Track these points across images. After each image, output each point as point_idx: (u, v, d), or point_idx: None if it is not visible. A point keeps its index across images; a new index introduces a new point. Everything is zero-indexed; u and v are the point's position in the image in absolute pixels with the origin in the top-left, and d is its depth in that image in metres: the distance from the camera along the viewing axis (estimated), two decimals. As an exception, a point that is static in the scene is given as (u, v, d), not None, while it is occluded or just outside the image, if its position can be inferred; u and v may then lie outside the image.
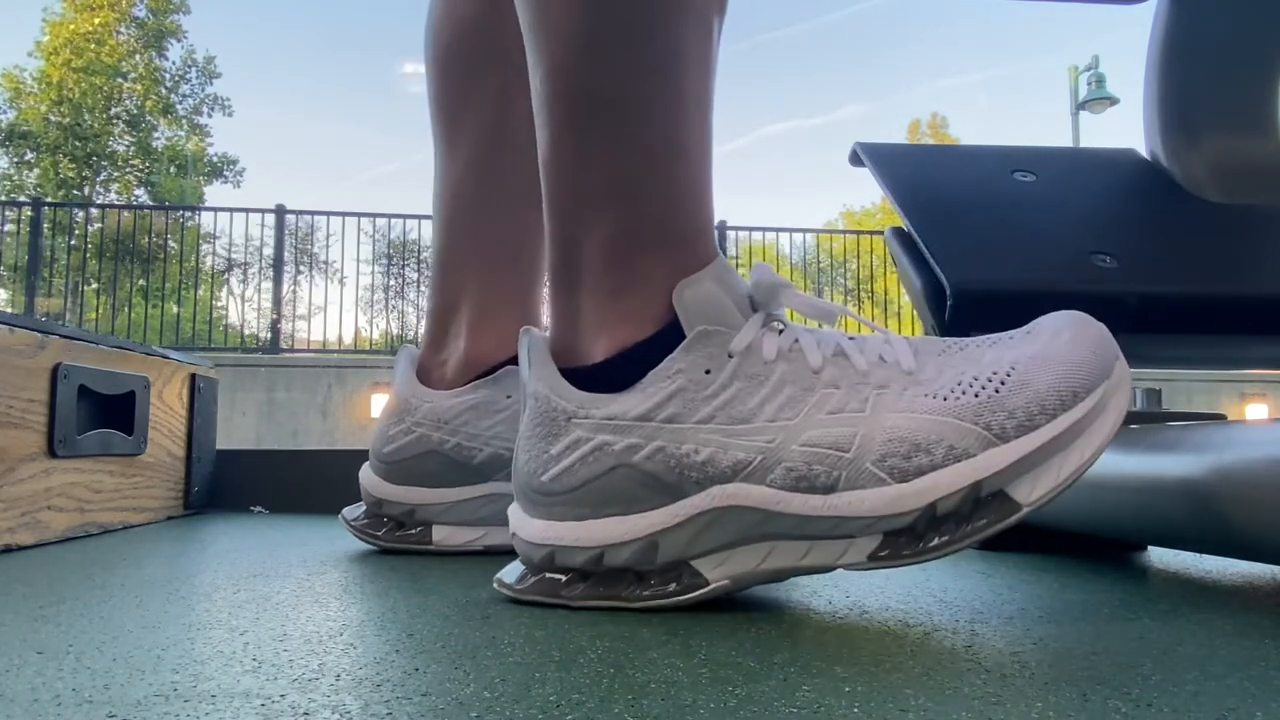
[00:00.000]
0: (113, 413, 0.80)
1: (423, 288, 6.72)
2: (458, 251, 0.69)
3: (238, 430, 5.12)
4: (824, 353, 0.43)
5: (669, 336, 0.44)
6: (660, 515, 0.42)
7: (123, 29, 13.35)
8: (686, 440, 0.42)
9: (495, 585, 0.46)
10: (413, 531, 0.64)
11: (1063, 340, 0.42)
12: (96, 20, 12.91)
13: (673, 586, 0.42)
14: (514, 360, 0.65)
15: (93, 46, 12.93)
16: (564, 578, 0.44)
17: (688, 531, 0.42)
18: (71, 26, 12.84)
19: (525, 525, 0.45)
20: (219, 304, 10.04)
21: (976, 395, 0.41)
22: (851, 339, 0.44)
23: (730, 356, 0.43)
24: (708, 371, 0.43)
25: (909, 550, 0.40)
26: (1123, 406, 0.42)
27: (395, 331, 6.81)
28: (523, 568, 0.46)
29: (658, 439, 0.43)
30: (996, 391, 0.40)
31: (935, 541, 0.40)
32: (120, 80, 13.32)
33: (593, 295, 0.46)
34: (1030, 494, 0.40)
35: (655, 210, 0.46)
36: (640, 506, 0.43)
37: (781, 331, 0.44)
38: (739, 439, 0.42)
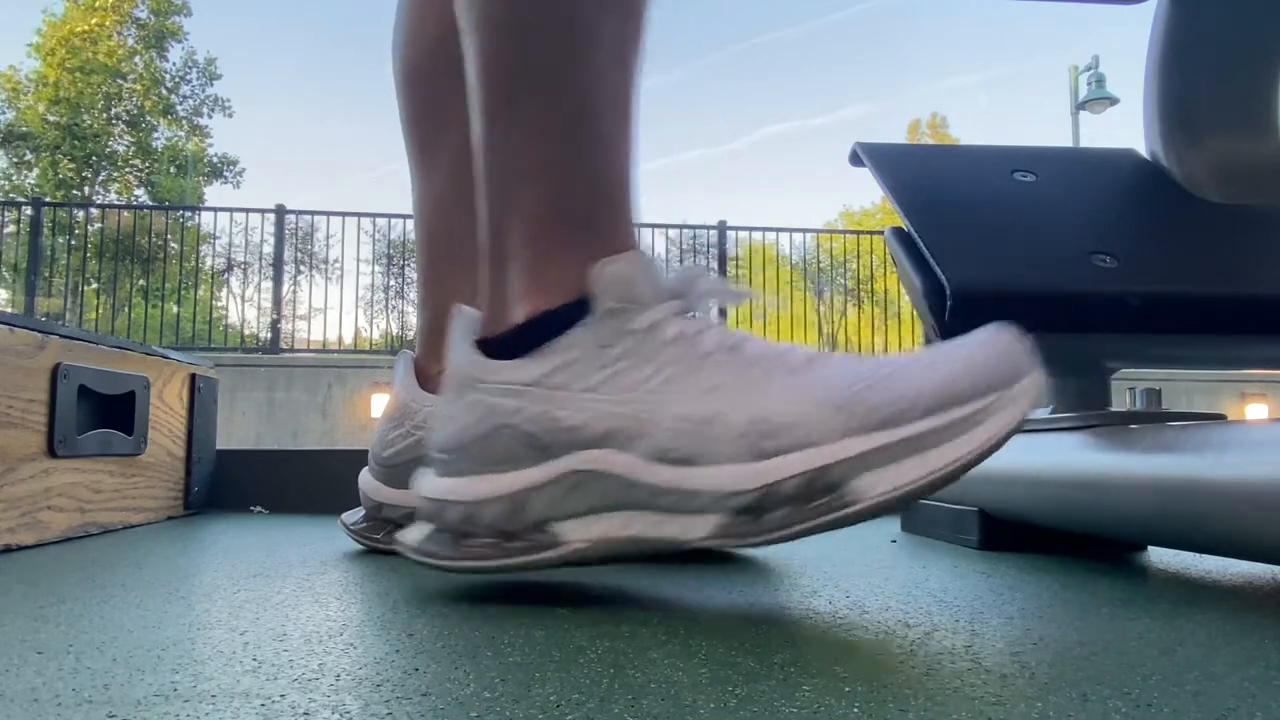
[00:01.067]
0: (113, 413, 0.80)
1: (423, 288, 6.70)
2: (446, 264, 0.71)
3: (238, 430, 5.12)
4: (722, 342, 0.44)
5: (579, 309, 0.46)
6: (532, 473, 0.44)
7: (123, 30, 13.34)
8: (567, 406, 0.44)
9: (396, 543, 0.49)
10: None
11: (967, 346, 0.41)
12: (93, 20, 12.90)
13: (532, 543, 0.44)
14: None
15: (90, 47, 12.92)
16: (448, 536, 0.46)
17: (554, 491, 0.44)
18: (68, 27, 12.84)
19: (426, 482, 0.48)
20: (219, 304, 10.03)
21: (849, 386, 0.41)
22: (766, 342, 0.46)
23: (630, 334, 0.44)
24: (604, 346, 0.44)
25: (748, 529, 0.40)
26: (1009, 421, 0.39)
27: (395, 331, 6.81)
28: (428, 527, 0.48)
29: (542, 403, 0.44)
30: (869, 386, 0.41)
31: (772, 522, 0.40)
32: (120, 81, 13.31)
33: (516, 267, 0.48)
34: (871, 489, 0.39)
35: (575, 191, 0.48)
36: (517, 465, 0.45)
37: (693, 319, 0.45)
38: (615, 407, 0.43)
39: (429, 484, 0.47)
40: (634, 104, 0.50)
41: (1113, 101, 10.27)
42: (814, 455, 0.40)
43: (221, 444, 1.01)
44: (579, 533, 0.44)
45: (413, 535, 0.48)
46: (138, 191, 13.78)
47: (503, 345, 0.48)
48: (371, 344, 7.00)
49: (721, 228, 6.44)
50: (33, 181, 12.94)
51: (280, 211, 6.26)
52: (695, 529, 0.42)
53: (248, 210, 6.34)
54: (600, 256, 0.46)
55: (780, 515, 0.40)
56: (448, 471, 0.47)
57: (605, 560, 0.44)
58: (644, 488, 0.42)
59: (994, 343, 0.41)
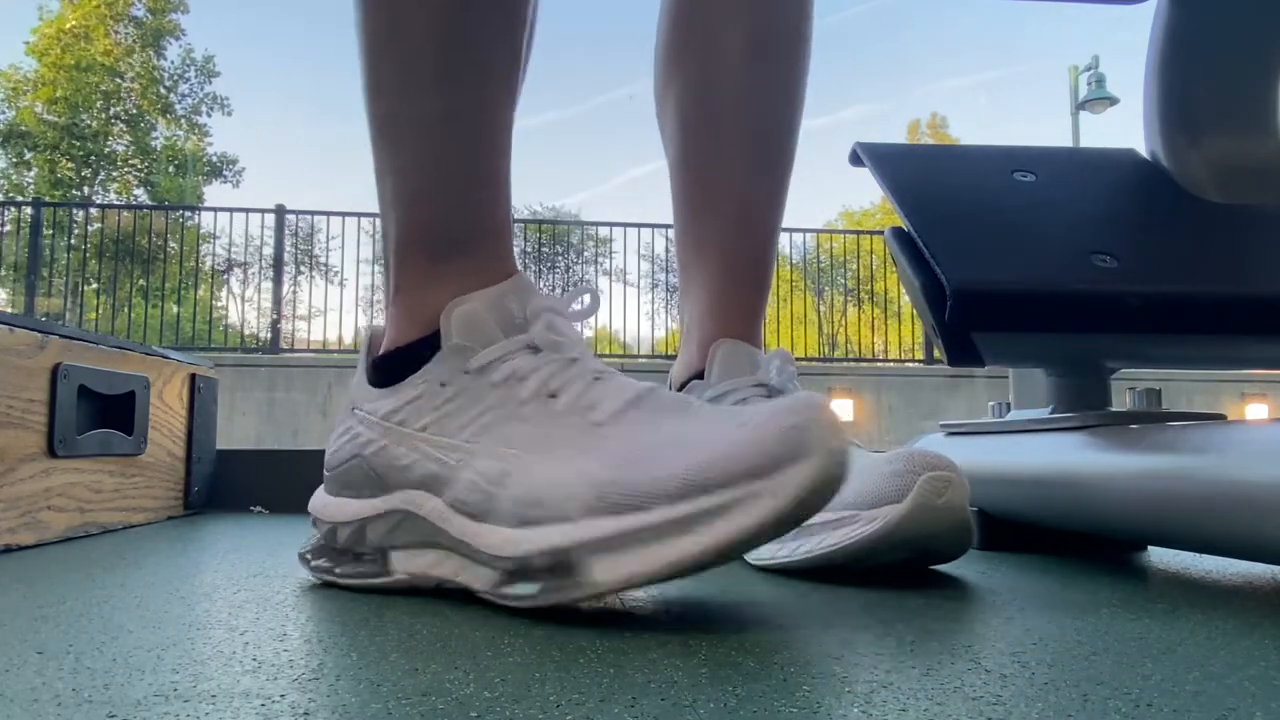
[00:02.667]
0: (113, 413, 0.80)
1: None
2: None
3: (238, 430, 5.12)
4: (541, 389, 0.44)
5: (434, 344, 0.47)
6: (373, 503, 0.47)
7: (120, 28, 13.32)
8: (403, 444, 0.46)
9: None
10: None
11: (739, 424, 0.38)
12: (78, 14, 12.83)
13: (371, 569, 0.48)
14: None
15: (82, 44, 12.89)
16: (323, 545, 0.50)
17: (385, 525, 0.47)
18: (56, 24, 12.80)
19: (315, 495, 0.52)
20: (219, 304, 10.03)
21: (620, 460, 0.39)
22: (598, 377, 0.45)
23: (465, 374, 0.46)
24: (443, 384, 0.46)
25: (511, 593, 0.40)
26: (759, 515, 0.36)
27: (395, 331, 6.80)
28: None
29: (386, 439, 0.47)
30: (635, 462, 0.39)
31: (527, 593, 0.40)
32: (118, 80, 13.30)
33: (392, 290, 0.52)
34: (606, 574, 0.38)
35: (425, 220, 0.51)
36: (362, 494, 0.48)
37: (533, 356, 0.46)
38: (436, 451, 0.45)
39: (315, 497, 0.52)
40: (491, 138, 0.51)
41: (1113, 101, 10.27)
42: (558, 532, 0.39)
43: (221, 444, 1.01)
44: (403, 564, 0.47)
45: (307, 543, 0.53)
46: (137, 191, 13.78)
47: (378, 369, 0.50)
48: (371, 344, 6.98)
49: (721, 227, 6.43)
50: (30, 181, 12.92)
51: (280, 211, 6.26)
52: (480, 581, 0.42)
53: (248, 210, 6.34)
54: (459, 290, 0.47)
55: (535, 587, 0.40)
56: (326, 489, 0.51)
57: (439, 589, 0.46)
58: (445, 534, 0.44)
59: (771, 424, 0.37)
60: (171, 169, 13.84)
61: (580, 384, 0.44)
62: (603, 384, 0.44)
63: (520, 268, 0.51)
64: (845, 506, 0.50)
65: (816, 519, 0.46)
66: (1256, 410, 5.86)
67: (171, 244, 7.61)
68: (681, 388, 0.69)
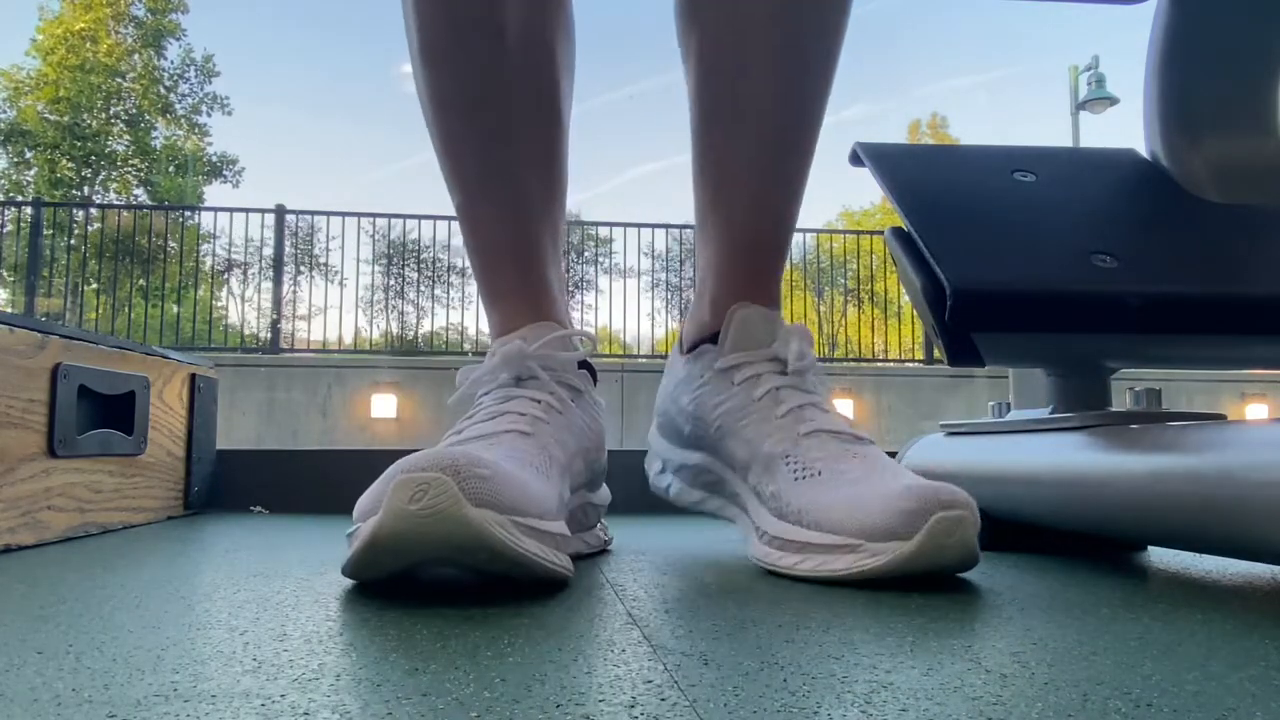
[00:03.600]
0: (113, 413, 0.80)
1: (423, 287, 6.71)
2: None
3: (238, 430, 5.12)
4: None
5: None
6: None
7: (121, 28, 13.32)
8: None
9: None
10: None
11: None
12: (88, 17, 12.84)
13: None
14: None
15: (88, 45, 12.89)
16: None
17: None
18: (64, 25, 12.80)
19: None
20: (219, 304, 10.01)
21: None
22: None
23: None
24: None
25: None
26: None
27: (395, 331, 6.81)
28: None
29: None
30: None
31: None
32: (118, 80, 13.29)
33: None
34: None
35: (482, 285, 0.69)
36: None
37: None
38: None
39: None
40: (481, 221, 0.68)
41: (1113, 101, 10.26)
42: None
43: (221, 444, 1.01)
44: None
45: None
46: (137, 191, 13.75)
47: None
48: (371, 344, 6.99)
49: (721, 227, 6.42)
50: (30, 180, 12.92)
51: (280, 211, 6.25)
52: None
53: (248, 210, 6.33)
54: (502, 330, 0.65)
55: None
56: None
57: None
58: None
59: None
60: (171, 169, 13.81)
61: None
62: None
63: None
64: (851, 534, 0.50)
65: (819, 540, 0.51)
66: (1256, 410, 5.85)
67: (171, 244, 7.60)
68: (693, 348, 0.66)
